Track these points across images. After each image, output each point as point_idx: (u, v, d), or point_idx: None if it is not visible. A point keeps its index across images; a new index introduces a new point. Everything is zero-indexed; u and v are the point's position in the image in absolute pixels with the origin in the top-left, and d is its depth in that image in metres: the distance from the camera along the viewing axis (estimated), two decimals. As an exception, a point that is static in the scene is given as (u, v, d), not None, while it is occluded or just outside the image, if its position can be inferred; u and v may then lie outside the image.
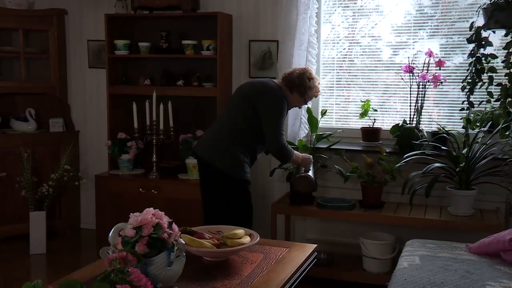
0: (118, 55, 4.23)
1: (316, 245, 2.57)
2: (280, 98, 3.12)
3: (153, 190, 3.98)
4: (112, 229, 1.95)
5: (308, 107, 3.76)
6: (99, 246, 2.96)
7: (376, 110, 3.85)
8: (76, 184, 4.47)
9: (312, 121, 3.72)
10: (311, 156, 3.37)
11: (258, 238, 2.36)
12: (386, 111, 3.96)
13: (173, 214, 2.13)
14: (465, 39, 3.28)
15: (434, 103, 3.85)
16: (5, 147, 4.35)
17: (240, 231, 2.39)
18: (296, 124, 3.86)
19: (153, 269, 1.83)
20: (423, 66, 3.65)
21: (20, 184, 4.14)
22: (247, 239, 2.35)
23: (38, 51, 4.61)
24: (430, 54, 3.62)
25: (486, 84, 3.15)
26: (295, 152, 3.24)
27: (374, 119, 3.81)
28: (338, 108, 4.08)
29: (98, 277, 1.65)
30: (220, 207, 3.18)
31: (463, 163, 3.28)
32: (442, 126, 3.64)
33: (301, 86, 3.20)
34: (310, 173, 3.26)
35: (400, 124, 3.69)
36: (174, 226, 1.93)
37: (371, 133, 3.79)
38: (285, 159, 3.23)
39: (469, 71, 3.22)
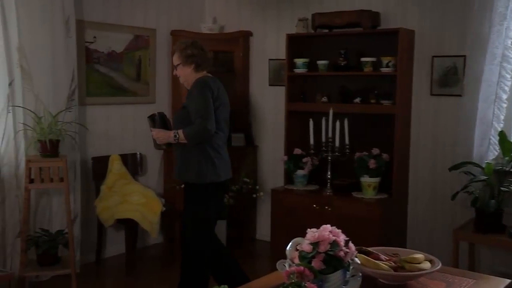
0: (297, 73, 4.35)
1: (509, 280, 2.29)
2: None
3: (326, 207, 3.97)
4: (290, 243, 1.97)
5: (501, 131, 3.42)
6: (273, 257, 3.04)
7: None
8: (254, 196, 4.69)
9: (505, 145, 3.35)
10: None
11: (440, 265, 2.19)
12: None
13: (346, 233, 2.08)
14: None
15: None
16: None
17: (420, 255, 2.24)
18: (484, 145, 3.54)
19: (328, 286, 1.80)
20: None
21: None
22: (427, 265, 2.20)
23: (224, 70, 4.97)
24: None
25: None
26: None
27: None
28: (535, 129, 3.63)
29: (275, 288, 1.68)
30: None
31: None
32: None
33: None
34: None
35: None
36: (351, 244, 1.89)
37: None
38: None
39: None
